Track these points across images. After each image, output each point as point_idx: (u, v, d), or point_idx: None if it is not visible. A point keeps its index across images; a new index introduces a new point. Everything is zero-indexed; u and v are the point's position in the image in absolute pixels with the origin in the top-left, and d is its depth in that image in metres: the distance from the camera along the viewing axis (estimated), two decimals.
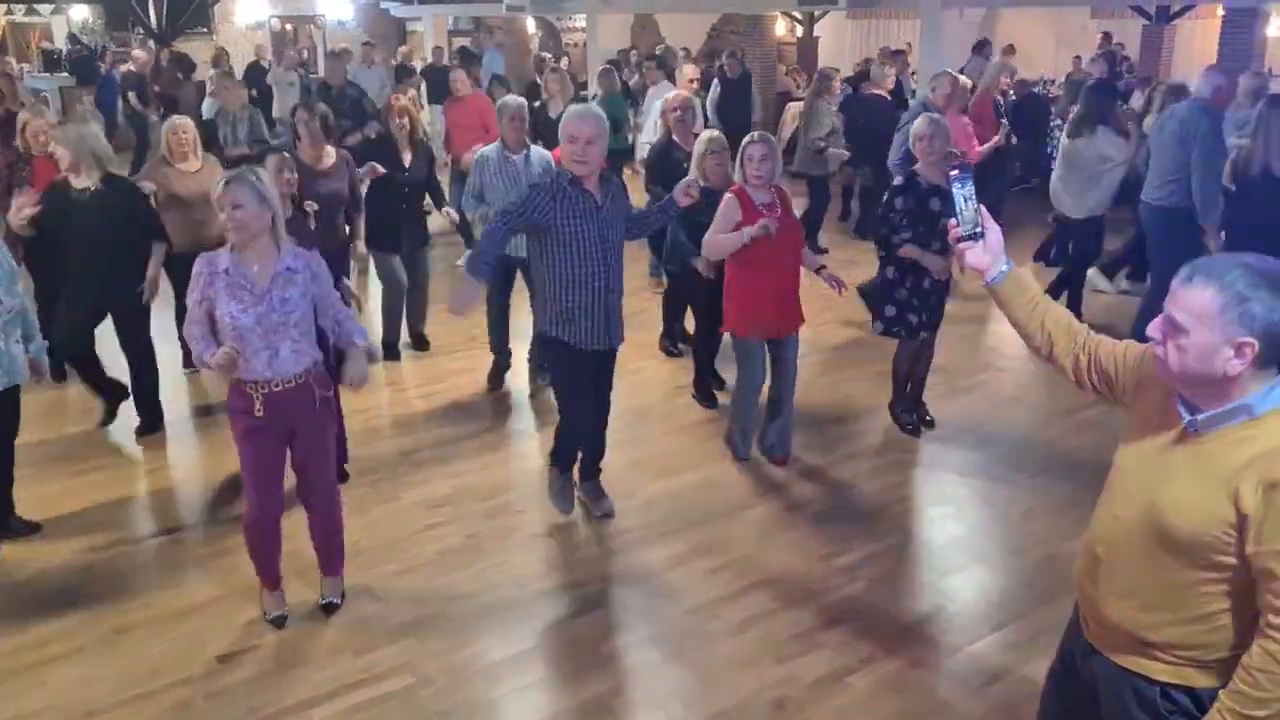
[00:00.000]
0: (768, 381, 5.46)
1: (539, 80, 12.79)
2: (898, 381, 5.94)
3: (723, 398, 6.33)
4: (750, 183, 5.16)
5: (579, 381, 4.69)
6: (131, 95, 14.57)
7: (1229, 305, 2.01)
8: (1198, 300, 2.04)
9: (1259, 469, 2.00)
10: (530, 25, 22.51)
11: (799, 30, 19.35)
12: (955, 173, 2.39)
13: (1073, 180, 7.44)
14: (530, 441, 5.94)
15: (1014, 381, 6.82)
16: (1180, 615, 2.16)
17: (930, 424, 6.00)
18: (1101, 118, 7.29)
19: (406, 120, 6.81)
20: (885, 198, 5.56)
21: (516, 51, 19.19)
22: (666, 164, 6.74)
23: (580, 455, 4.99)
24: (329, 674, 3.88)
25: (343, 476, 5.20)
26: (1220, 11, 15.02)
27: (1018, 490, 5.28)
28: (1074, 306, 7.64)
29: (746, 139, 5.21)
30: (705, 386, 6.44)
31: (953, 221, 2.42)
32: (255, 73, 16.37)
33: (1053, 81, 15.78)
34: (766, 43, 15.70)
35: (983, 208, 2.40)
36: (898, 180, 5.60)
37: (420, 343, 7.38)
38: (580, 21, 22.10)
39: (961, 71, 10.34)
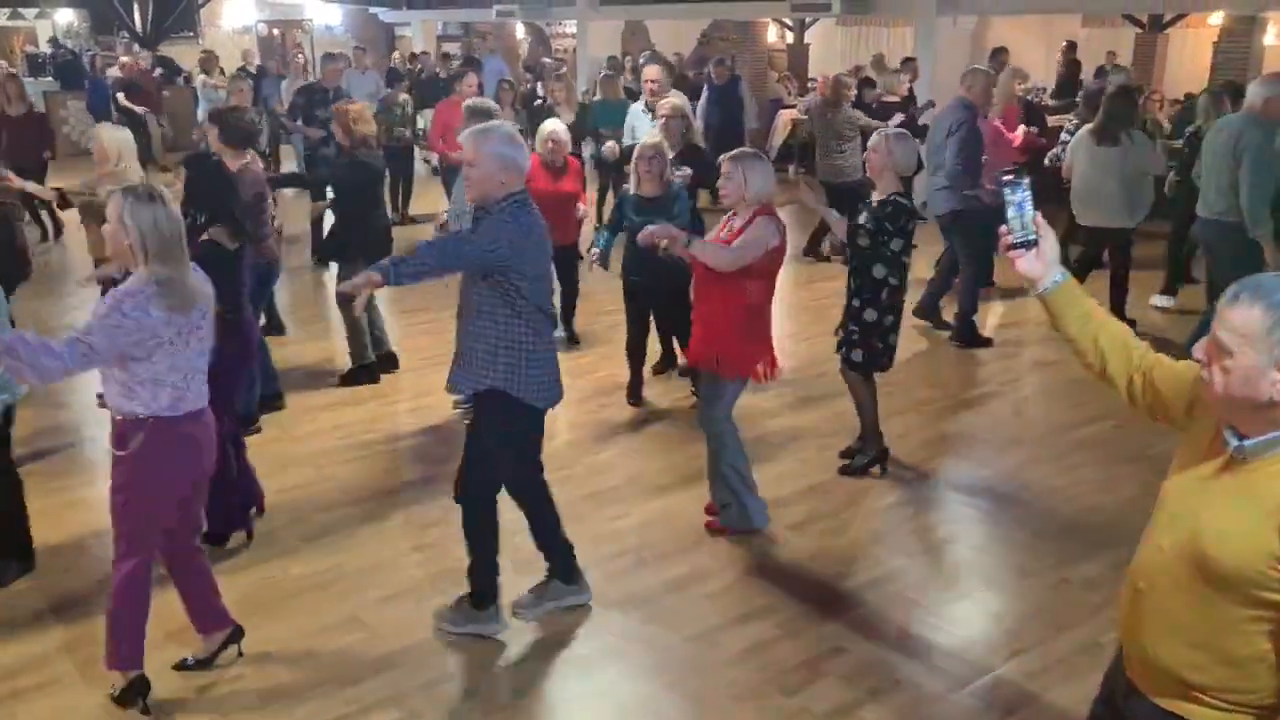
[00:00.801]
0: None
1: (527, 87, 12.72)
2: (875, 425, 5.44)
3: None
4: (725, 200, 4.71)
5: None
6: (122, 97, 14.42)
7: (1277, 325, 1.90)
8: (1243, 320, 1.93)
9: None
10: (519, 31, 22.40)
11: (789, 37, 19.26)
12: (1009, 178, 2.28)
13: (1109, 189, 7.29)
14: None
15: (1013, 399, 6.68)
16: (1223, 655, 2.04)
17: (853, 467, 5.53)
18: (1127, 124, 7.18)
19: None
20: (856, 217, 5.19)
21: (506, 58, 19.04)
22: None
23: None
24: (311, 708, 3.69)
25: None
26: (1211, 20, 15.00)
27: (1023, 511, 5.13)
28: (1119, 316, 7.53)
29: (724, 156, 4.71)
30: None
31: (1004, 228, 2.30)
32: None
33: (1044, 90, 15.70)
34: (758, 49, 15.61)
35: (1039, 215, 2.29)
36: (874, 199, 5.18)
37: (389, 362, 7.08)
38: (569, 27, 21.97)
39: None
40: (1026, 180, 2.28)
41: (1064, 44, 16.33)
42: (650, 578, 4.53)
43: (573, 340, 7.41)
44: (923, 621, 4.22)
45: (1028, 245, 2.30)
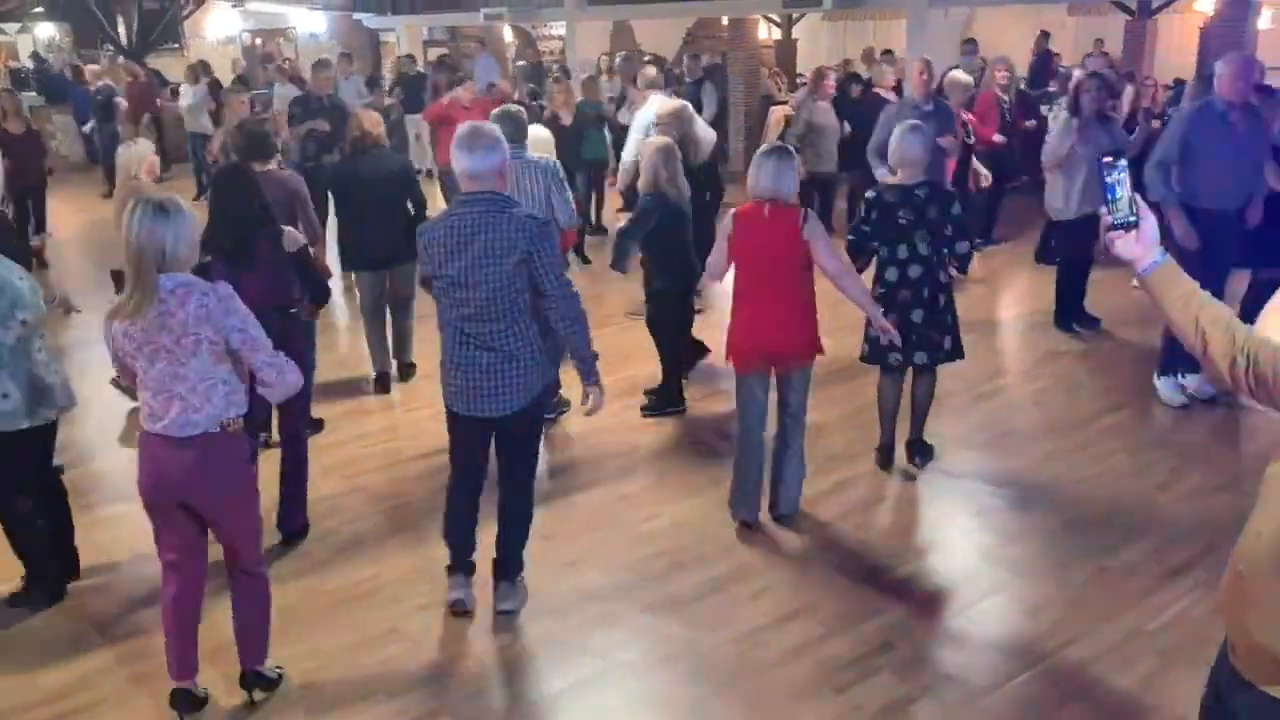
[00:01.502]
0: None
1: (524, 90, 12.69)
2: (881, 417, 5.48)
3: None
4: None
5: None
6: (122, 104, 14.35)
7: None
8: None
9: None
10: (507, 34, 22.33)
11: (776, 33, 19.27)
12: (1108, 160, 2.27)
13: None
14: (544, 468, 5.74)
15: (1031, 389, 6.67)
16: None
17: (923, 459, 5.52)
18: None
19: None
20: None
21: (496, 60, 18.95)
22: None
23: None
24: None
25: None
26: (1198, 6, 15.06)
27: (1054, 500, 5.12)
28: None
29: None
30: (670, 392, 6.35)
31: (1104, 210, 2.29)
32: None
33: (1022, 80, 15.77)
34: (750, 46, 15.56)
35: (1138, 196, 2.27)
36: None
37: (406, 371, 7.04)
38: (555, 30, 21.92)
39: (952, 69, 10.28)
40: (1123, 163, 2.27)
41: (1038, 34, 16.41)
42: (689, 579, 4.50)
43: None
44: (965, 615, 4.21)
45: (1127, 227, 2.28)
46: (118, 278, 6.47)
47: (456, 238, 3.82)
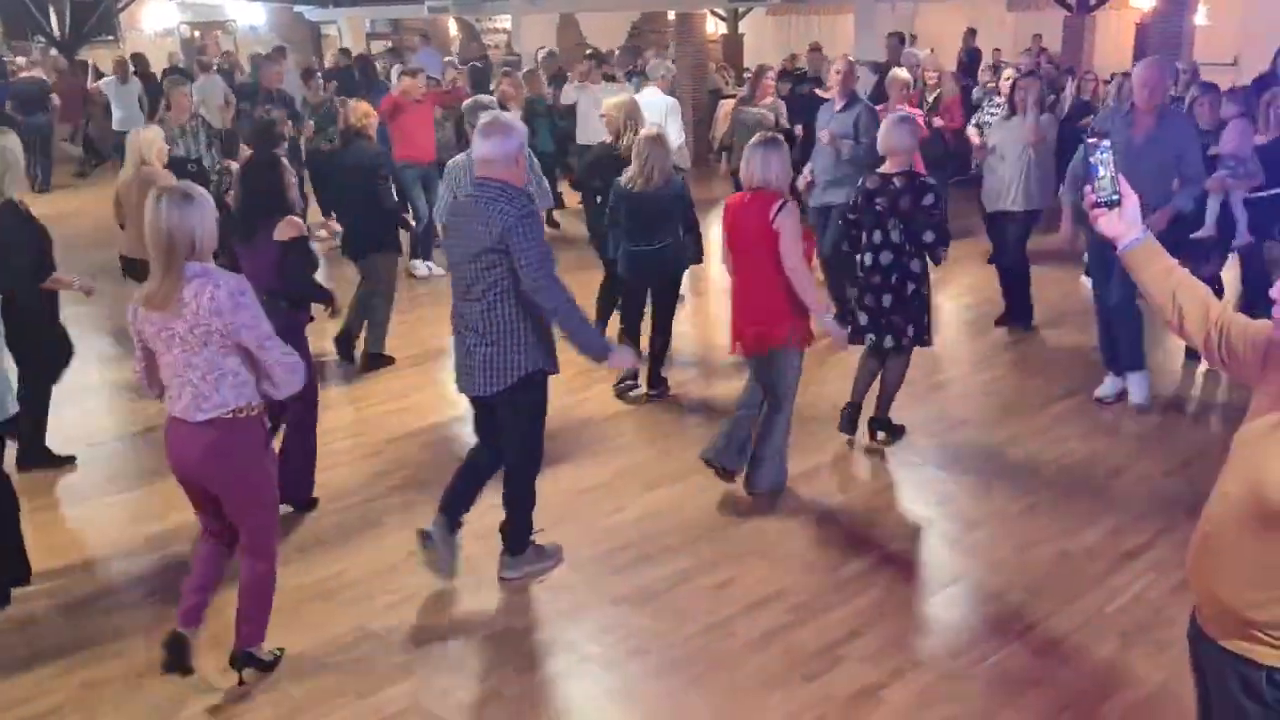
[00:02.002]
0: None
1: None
2: (854, 382, 5.66)
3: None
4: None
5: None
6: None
7: None
8: None
9: None
10: (451, 27, 22.16)
11: (722, 28, 19.34)
12: (1094, 140, 2.38)
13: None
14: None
15: (985, 378, 6.77)
16: None
17: (892, 437, 5.68)
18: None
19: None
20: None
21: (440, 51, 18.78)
22: (609, 164, 6.57)
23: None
24: None
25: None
26: (1135, 2, 15.38)
27: (1014, 486, 5.21)
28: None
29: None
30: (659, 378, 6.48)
31: (1089, 188, 2.40)
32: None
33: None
34: (696, 40, 15.60)
35: (1121, 176, 2.38)
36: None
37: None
38: (500, 22, 21.80)
39: (892, 65, 10.39)
40: (1107, 144, 2.38)
41: (965, 30, 16.66)
42: (656, 571, 4.50)
43: None
44: (931, 601, 4.27)
45: (1110, 205, 2.39)
46: (128, 264, 6.41)
47: (456, 221, 4.07)
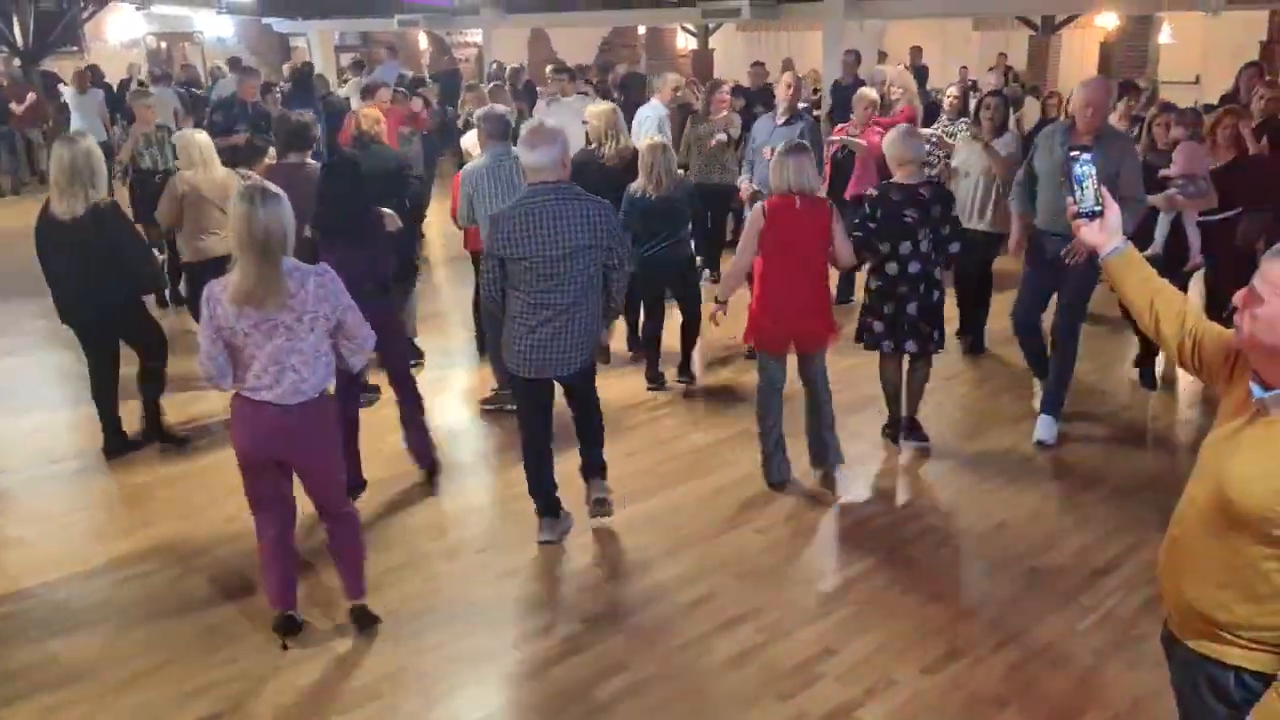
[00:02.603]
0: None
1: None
2: (887, 397, 5.88)
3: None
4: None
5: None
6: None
7: None
8: (1277, 271, 2.09)
9: None
10: (422, 40, 22.12)
11: (693, 43, 19.42)
12: (1077, 153, 2.46)
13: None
14: (476, 475, 5.66)
15: (955, 394, 6.80)
16: (1246, 594, 2.18)
17: (922, 440, 5.83)
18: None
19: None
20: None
21: (410, 67, 18.76)
22: (593, 170, 6.76)
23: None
24: None
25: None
26: (1098, 21, 15.60)
27: (982, 504, 5.22)
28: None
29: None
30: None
31: (1070, 199, 2.47)
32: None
33: (939, 91, 16.16)
34: (667, 55, 15.66)
35: (1104, 188, 2.46)
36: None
37: None
38: (471, 36, 21.78)
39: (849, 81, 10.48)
40: (1088, 156, 2.45)
41: (910, 49, 16.81)
42: (628, 589, 4.48)
43: None
44: (903, 618, 4.26)
45: (1092, 216, 2.47)
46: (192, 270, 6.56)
47: (528, 221, 4.30)
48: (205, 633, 4.15)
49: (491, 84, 11.86)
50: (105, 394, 5.81)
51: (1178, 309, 2.46)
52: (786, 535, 4.93)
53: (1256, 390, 2.16)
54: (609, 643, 4.09)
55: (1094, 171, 2.45)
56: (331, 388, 3.86)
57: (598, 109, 7.32)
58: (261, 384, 3.63)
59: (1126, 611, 4.23)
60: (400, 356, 5.53)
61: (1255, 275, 2.15)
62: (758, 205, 5.17)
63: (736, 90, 11.69)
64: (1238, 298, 2.17)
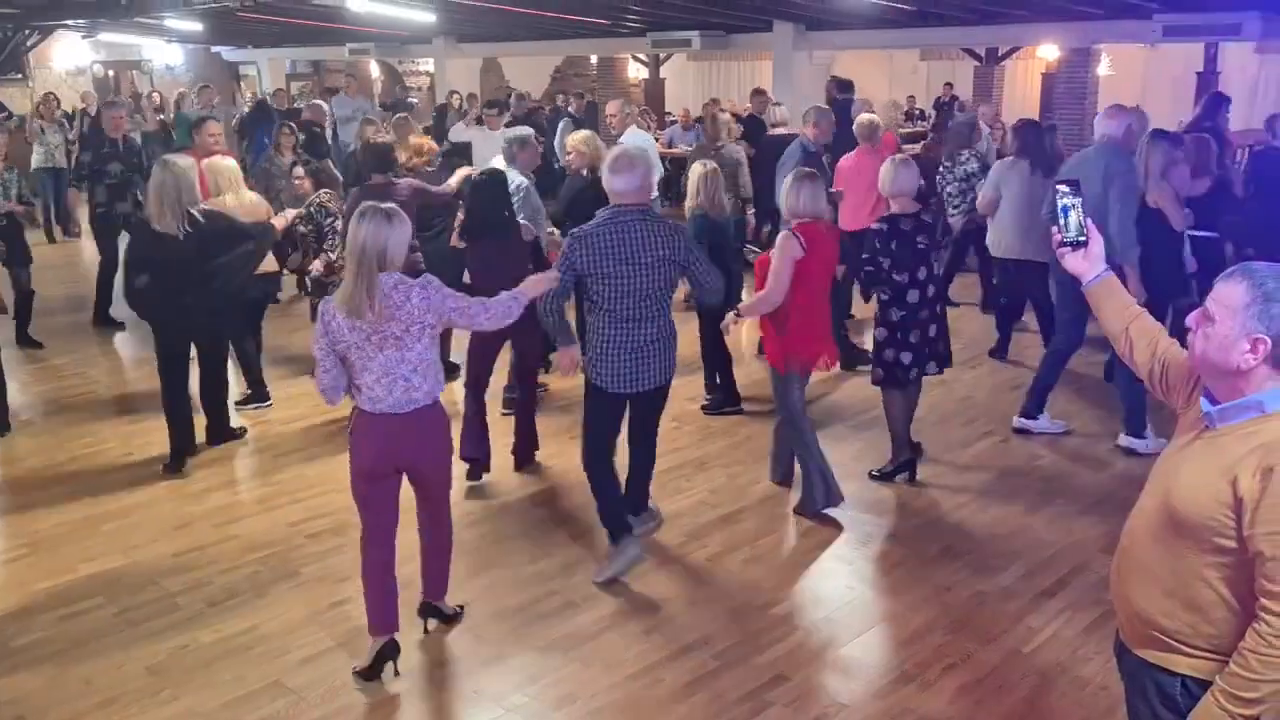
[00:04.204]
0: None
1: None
2: (897, 435, 5.81)
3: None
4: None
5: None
6: None
7: (1254, 302, 2.16)
8: (1229, 293, 2.20)
9: (1259, 455, 2.13)
10: (373, 69, 22.08)
11: (644, 72, 19.55)
12: (1063, 187, 2.58)
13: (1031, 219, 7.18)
14: None
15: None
16: (1190, 601, 2.26)
17: (919, 454, 6.00)
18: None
19: None
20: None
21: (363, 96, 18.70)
22: (589, 198, 6.60)
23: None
24: None
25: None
26: (1040, 53, 15.95)
27: (932, 527, 5.28)
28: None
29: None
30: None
31: (1055, 229, 2.59)
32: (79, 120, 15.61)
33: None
34: (619, 84, 15.76)
35: (1088, 220, 2.59)
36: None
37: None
38: (423, 65, 21.78)
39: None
40: (1066, 188, 2.58)
41: (830, 79, 17.07)
42: (582, 617, 4.46)
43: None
44: (854, 643, 4.28)
45: (1075, 245, 2.59)
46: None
47: (612, 242, 4.47)
48: (148, 671, 4.08)
49: (396, 116, 11.69)
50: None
51: (1151, 336, 2.58)
52: (738, 562, 4.95)
53: (1205, 405, 2.27)
54: (560, 673, 4.08)
55: (1079, 203, 2.58)
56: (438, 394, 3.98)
57: (582, 135, 7.34)
58: (376, 395, 3.78)
59: (1072, 633, 4.29)
60: (528, 354, 6.00)
61: (1209, 296, 2.24)
62: (788, 235, 5.07)
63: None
64: (1192, 318, 2.27)
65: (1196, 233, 6.62)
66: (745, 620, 4.44)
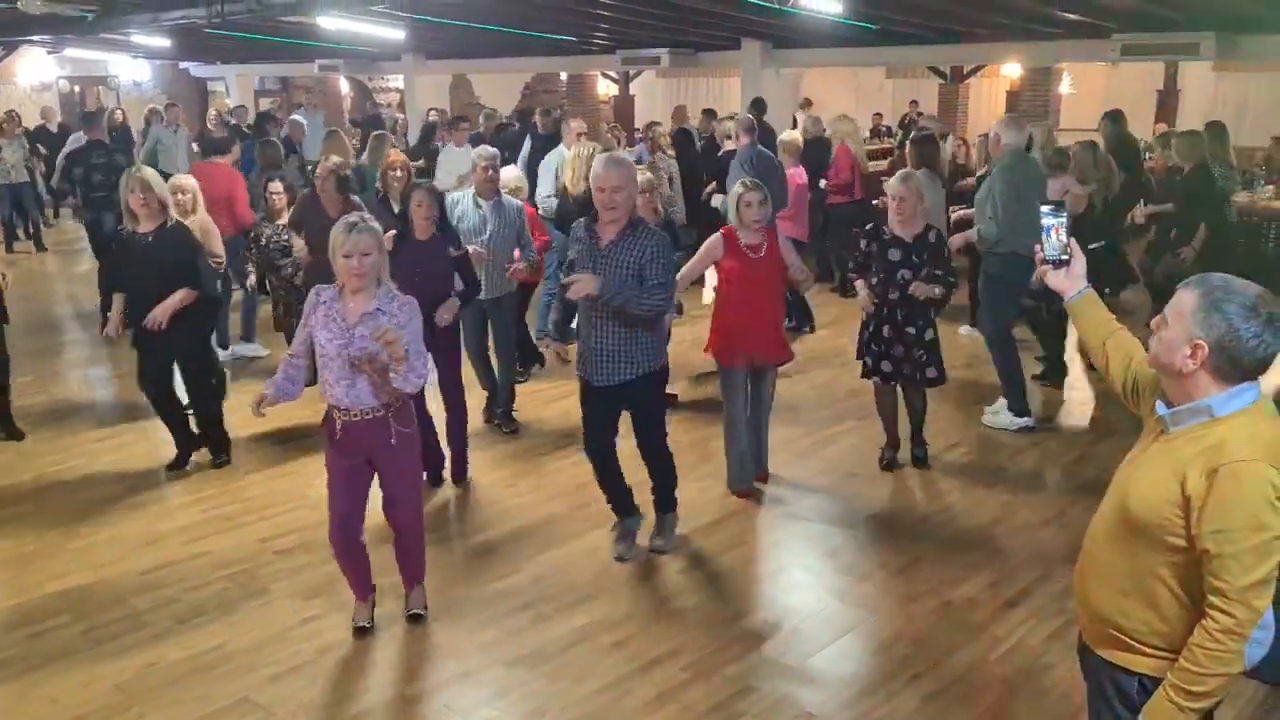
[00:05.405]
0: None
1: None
2: (884, 424, 6.26)
3: None
4: (747, 225, 5.51)
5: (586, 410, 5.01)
6: None
7: (1199, 309, 2.27)
8: (1182, 299, 2.32)
9: (1206, 457, 2.23)
10: (343, 85, 22.04)
11: (614, 89, 19.64)
12: (1049, 208, 2.68)
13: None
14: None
15: (872, 431, 6.89)
16: (1146, 599, 2.36)
17: (923, 459, 6.22)
18: None
19: None
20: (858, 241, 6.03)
21: (330, 112, 18.71)
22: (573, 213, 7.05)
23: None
24: None
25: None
26: (1004, 70, 16.18)
27: (898, 538, 5.34)
28: None
29: (741, 186, 5.54)
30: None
31: (1038, 247, 2.69)
32: (41, 135, 15.52)
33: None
34: (589, 101, 15.83)
35: (1072, 240, 2.69)
36: (869, 225, 6.03)
37: None
38: (393, 81, 21.76)
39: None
40: (1051, 208, 2.68)
41: (802, 98, 17.36)
42: (552, 631, 4.48)
43: None
44: (822, 654, 4.32)
45: (1058, 264, 2.69)
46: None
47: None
48: (116, 689, 4.05)
49: (374, 133, 11.67)
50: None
51: (1127, 351, 2.68)
52: (706, 575, 4.99)
53: (1160, 408, 2.39)
54: (530, 687, 4.09)
55: (1064, 223, 2.68)
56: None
57: (580, 152, 7.80)
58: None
59: (1036, 641, 4.36)
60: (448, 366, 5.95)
61: (1169, 302, 2.35)
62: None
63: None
64: (1154, 322, 2.38)
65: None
66: (714, 632, 4.47)
